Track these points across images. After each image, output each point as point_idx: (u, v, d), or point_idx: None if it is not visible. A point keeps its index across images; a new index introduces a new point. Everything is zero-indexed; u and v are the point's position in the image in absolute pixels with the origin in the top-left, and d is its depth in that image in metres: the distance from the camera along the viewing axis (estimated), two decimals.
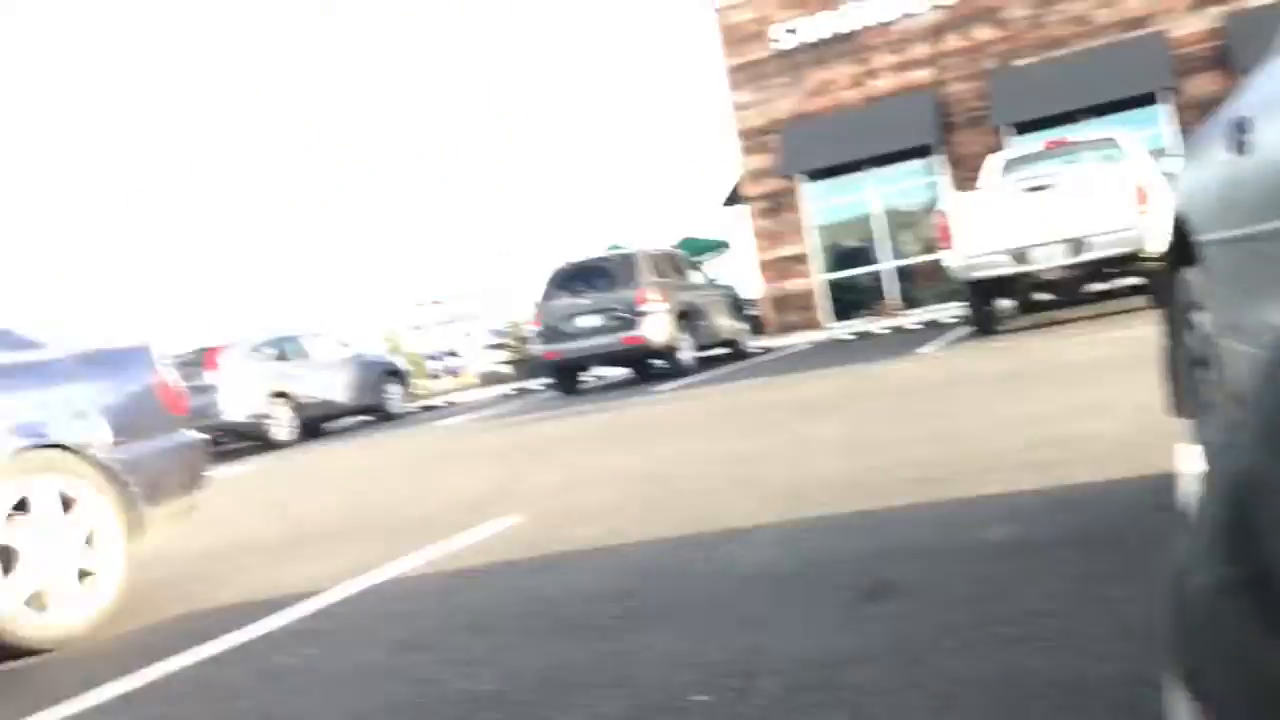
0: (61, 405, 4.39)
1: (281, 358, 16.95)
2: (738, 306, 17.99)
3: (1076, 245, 11.03)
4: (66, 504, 4.28)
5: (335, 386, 17.40)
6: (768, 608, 3.16)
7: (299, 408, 16.41)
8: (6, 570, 4.05)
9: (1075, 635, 2.46)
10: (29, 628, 4.07)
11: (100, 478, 4.38)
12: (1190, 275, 3.23)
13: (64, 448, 4.31)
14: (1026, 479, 4.16)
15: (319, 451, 14.21)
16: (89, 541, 4.33)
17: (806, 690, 2.44)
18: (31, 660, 4.04)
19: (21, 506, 4.15)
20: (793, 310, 21.83)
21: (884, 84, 21.14)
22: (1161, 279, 3.71)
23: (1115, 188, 10.93)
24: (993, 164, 13.68)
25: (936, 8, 20.70)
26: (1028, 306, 13.65)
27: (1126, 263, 11.12)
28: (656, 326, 14.70)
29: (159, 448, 4.74)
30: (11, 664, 4.02)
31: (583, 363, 15.76)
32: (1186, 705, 0.81)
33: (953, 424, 5.99)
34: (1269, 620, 0.71)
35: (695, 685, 2.59)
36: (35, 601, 4.15)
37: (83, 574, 4.30)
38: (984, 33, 20.46)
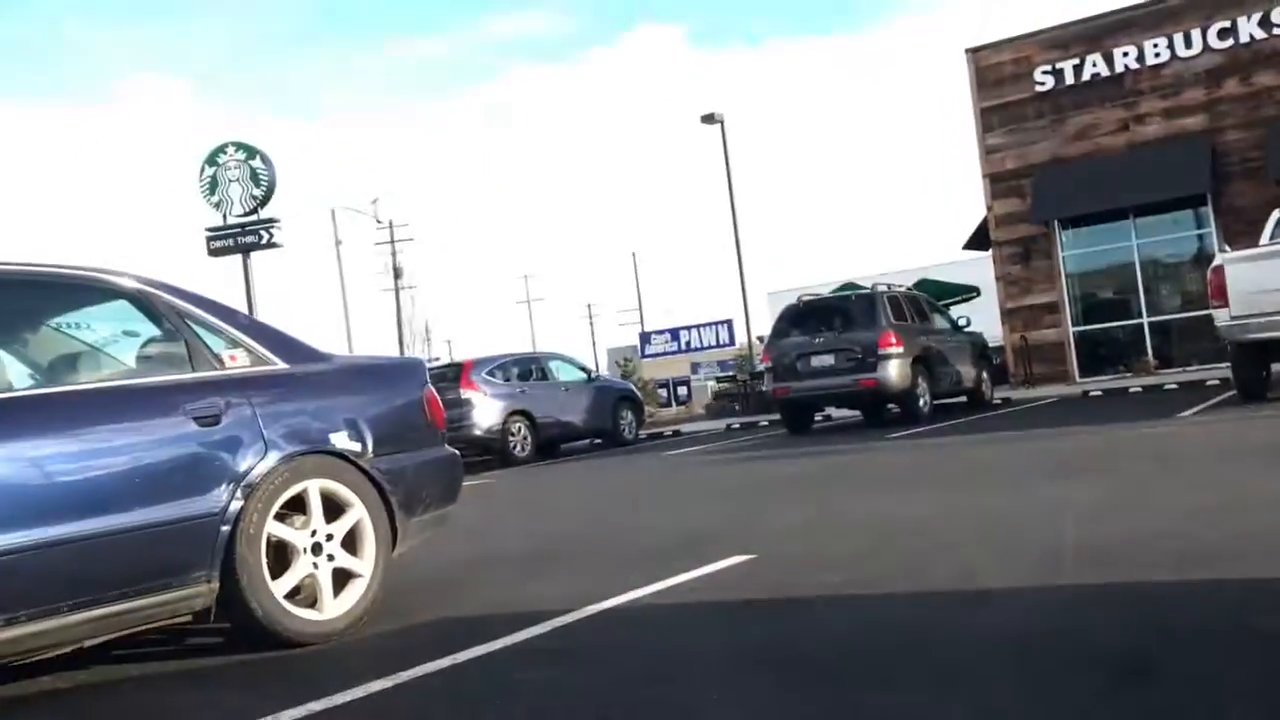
0: (336, 415, 4.66)
1: (523, 377, 17.56)
2: (983, 355, 17.39)
3: None
4: (332, 507, 4.55)
5: (573, 409, 17.87)
6: (1017, 679, 3.03)
7: (537, 427, 16.94)
8: (273, 565, 4.32)
9: None
10: (292, 620, 4.31)
11: (365, 485, 4.63)
12: None
13: (335, 454, 4.59)
14: None
15: (554, 471, 14.62)
16: (350, 544, 4.57)
17: None
18: (294, 653, 4.28)
19: (292, 507, 4.44)
20: (1039, 361, 20.93)
21: (1152, 129, 20.06)
22: None
23: None
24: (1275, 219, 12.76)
25: (1213, 51, 19.52)
26: None
27: None
28: (894, 370, 14.39)
29: (421, 460, 4.96)
30: (275, 652, 4.28)
31: (813, 402, 15.61)
32: None
33: (1221, 497, 5.60)
34: None
35: None
36: (298, 597, 4.41)
37: (343, 574, 4.54)
38: (1267, 78, 19.15)
